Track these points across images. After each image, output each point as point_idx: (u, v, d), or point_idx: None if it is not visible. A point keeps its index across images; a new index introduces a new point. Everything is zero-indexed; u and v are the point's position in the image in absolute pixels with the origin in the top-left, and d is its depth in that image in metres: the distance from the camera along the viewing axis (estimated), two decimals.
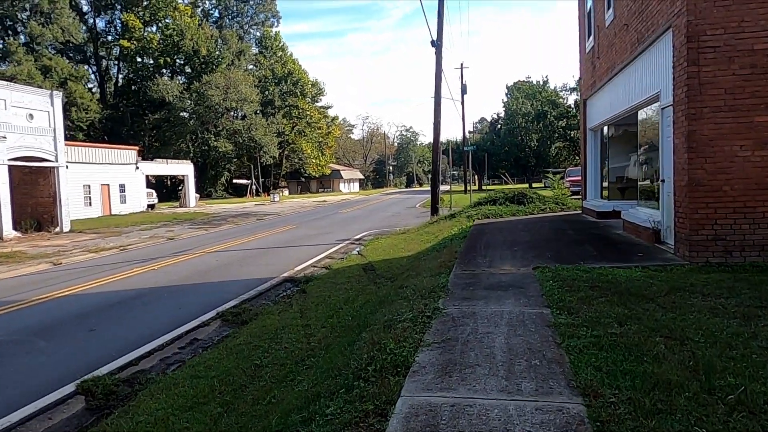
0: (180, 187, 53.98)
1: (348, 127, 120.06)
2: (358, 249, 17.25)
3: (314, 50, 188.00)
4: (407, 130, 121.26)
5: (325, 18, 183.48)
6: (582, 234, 11.97)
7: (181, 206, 47.95)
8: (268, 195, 58.74)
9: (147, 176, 45.31)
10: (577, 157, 71.02)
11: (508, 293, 6.72)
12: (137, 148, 43.21)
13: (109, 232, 26.97)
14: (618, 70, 12.13)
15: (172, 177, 59.61)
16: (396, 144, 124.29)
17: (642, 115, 11.57)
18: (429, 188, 52.61)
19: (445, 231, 16.57)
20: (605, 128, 15.47)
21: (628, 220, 11.25)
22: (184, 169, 48.79)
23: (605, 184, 15.74)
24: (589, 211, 16.07)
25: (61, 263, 16.34)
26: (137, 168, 41.87)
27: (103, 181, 38.28)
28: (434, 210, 21.45)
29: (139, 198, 41.89)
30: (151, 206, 43.80)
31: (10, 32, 61.72)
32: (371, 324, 6.56)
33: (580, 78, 17.41)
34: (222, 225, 29.10)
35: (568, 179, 28.08)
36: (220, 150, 65.17)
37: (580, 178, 33.58)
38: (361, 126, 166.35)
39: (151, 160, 49.23)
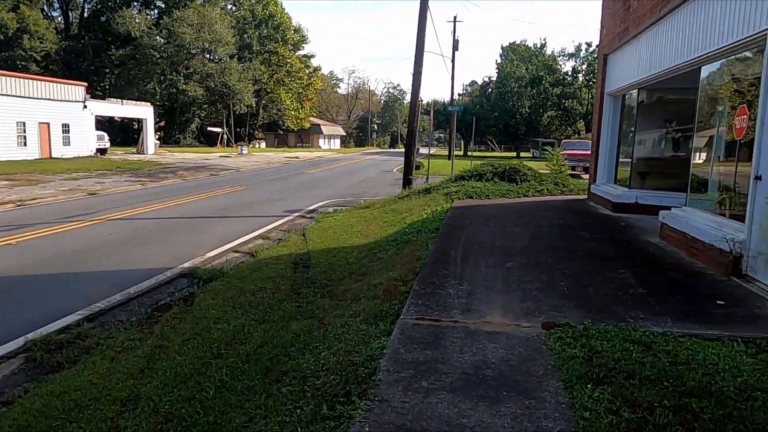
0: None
1: (334, 81, 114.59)
2: (305, 227, 13.60)
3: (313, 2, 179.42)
4: (395, 88, 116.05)
5: None
6: (603, 240, 8.43)
7: (137, 153, 43.57)
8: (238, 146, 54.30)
9: (98, 117, 40.73)
10: (569, 128, 67.47)
11: (500, 410, 3.18)
12: (85, 84, 38.45)
13: (27, 179, 22.90)
14: (677, 4, 8.38)
15: (137, 120, 54.73)
16: (382, 101, 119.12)
17: (708, 71, 7.91)
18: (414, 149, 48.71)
19: (415, 212, 12.98)
20: (633, 93, 11.81)
21: (676, 227, 7.72)
22: (143, 111, 44.19)
23: (626, 167, 12.19)
24: (601, 199, 12.55)
25: None
26: (85, 107, 37.27)
27: (42, 119, 33.76)
28: (407, 181, 17.77)
29: (87, 141, 37.45)
30: (102, 151, 39.41)
31: None
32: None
33: (601, 28, 13.66)
34: (166, 179, 25.17)
35: (564, 152, 24.44)
36: (190, 94, 60.20)
37: (579, 152, 30.07)
38: (347, 80, 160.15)
39: (114, 100, 44.50)
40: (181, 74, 60.61)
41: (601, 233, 8.96)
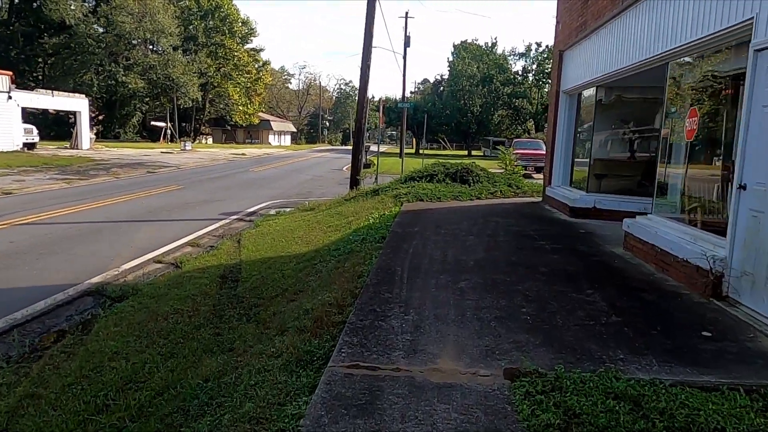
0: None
1: (286, 76, 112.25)
2: (241, 231, 12.45)
3: None
4: (346, 84, 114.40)
5: None
6: (564, 252, 7.68)
7: (71, 147, 40.87)
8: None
9: (30, 110, 37.96)
10: (519, 127, 67.92)
11: None
12: (10, 73, 35.64)
13: None
14: None
15: (73, 113, 51.52)
16: (334, 98, 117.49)
17: (676, 68, 7.26)
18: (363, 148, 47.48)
19: (362, 216, 12.03)
20: (591, 91, 11.21)
21: (643, 238, 7.04)
22: (76, 104, 41.52)
23: (583, 168, 11.60)
24: (557, 203, 11.93)
25: None
26: (10, 98, 34.52)
27: None
28: (354, 182, 16.79)
29: (12, 134, 34.68)
30: (30, 146, 36.62)
31: None
32: None
33: (556, 24, 13.05)
34: (97, 177, 23.32)
35: (517, 151, 23.95)
36: (130, 87, 57.18)
37: (530, 152, 29.81)
38: (298, 75, 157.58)
39: (43, 91, 41.58)
40: (121, 65, 57.56)
41: (561, 243, 8.23)
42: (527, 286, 5.76)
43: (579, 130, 12.35)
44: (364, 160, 20.29)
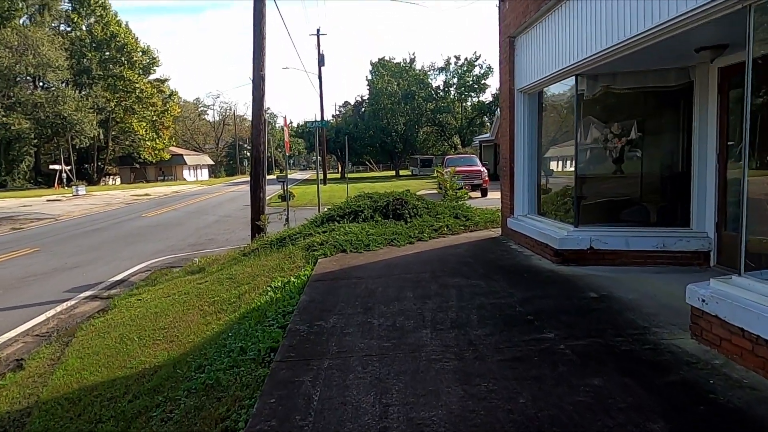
0: None
1: (202, 108, 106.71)
2: (87, 319, 8.38)
3: (171, 25, 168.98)
4: (264, 111, 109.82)
5: None
6: (603, 365, 4.22)
7: None
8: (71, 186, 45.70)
9: None
10: (446, 143, 65.98)
11: None
12: None
13: None
14: None
15: None
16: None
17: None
18: (291, 175, 41.61)
19: (259, 284, 8.28)
20: (565, 86, 8.06)
21: (746, 328, 3.73)
22: None
23: (557, 187, 8.39)
24: (528, 240, 8.66)
25: None
26: None
27: None
28: (255, 229, 12.92)
29: None
30: None
31: None
32: None
33: (500, 1, 9.97)
34: None
35: (452, 169, 20.71)
36: (14, 128, 50.59)
37: (465, 169, 26.83)
38: (213, 105, 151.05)
39: None
40: (1, 105, 50.90)
41: (579, 333, 4.81)
42: None
43: (546, 138, 9.20)
44: (284, 191, 16.51)
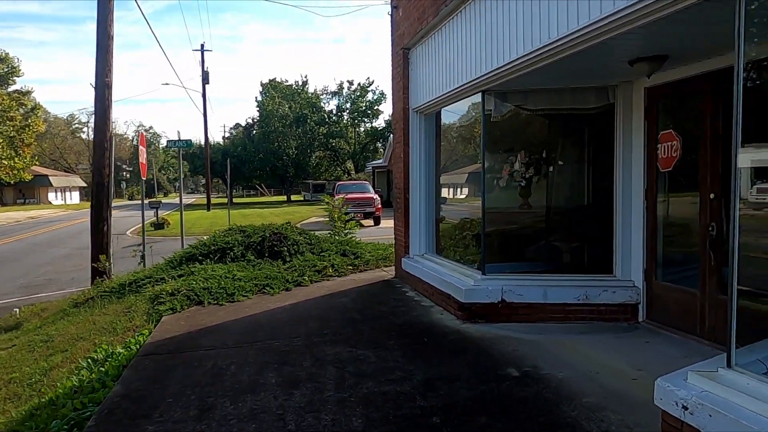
0: None
1: (77, 125, 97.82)
2: None
3: (46, 35, 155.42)
4: (147, 131, 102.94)
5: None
6: None
7: None
8: None
9: None
10: (339, 168, 64.73)
11: None
12: None
13: None
14: None
15: None
16: (134, 147, 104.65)
17: None
18: (176, 200, 37.08)
19: (80, 349, 6.15)
20: (467, 105, 6.81)
21: None
22: None
23: (456, 217, 7.07)
24: (427, 288, 7.24)
25: None
26: None
27: None
28: (95, 273, 10.52)
29: None
30: None
31: None
32: None
33: (392, 7, 8.66)
34: None
35: (346, 196, 19.21)
36: None
37: (357, 196, 25.48)
38: (87, 122, 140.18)
39: None
40: None
41: None
42: None
43: (452, 164, 7.93)
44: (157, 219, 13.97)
